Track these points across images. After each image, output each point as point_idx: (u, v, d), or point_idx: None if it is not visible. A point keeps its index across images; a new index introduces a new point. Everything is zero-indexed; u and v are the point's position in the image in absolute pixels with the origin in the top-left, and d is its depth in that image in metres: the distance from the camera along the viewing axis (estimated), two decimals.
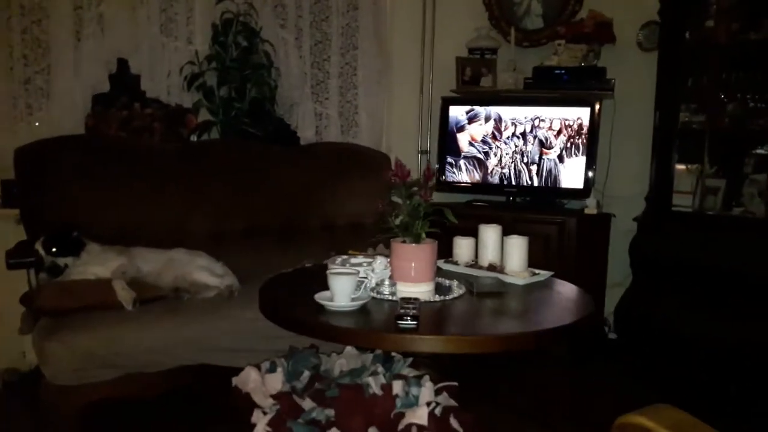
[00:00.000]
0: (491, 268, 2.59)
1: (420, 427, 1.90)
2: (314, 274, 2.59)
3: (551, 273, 2.61)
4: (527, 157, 4.20)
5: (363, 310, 2.08)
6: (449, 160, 4.44)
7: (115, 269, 2.92)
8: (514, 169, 4.24)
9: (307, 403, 1.99)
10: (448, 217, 2.27)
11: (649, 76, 3.95)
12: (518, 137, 4.23)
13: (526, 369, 3.66)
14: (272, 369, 2.23)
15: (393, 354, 2.36)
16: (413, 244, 2.26)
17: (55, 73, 3.68)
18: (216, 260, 3.25)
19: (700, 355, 3.50)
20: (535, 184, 4.20)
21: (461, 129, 4.40)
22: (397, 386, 2.02)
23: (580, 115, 4.03)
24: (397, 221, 2.29)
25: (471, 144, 4.38)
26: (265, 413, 2.01)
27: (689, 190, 3.78)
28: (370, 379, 2.05)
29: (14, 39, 3.60)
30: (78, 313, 2.70)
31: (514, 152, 4.24)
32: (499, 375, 3.51)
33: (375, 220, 3.98)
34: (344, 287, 2.05)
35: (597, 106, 4.00)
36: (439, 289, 2.34)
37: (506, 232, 2.67)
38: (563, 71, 4.13)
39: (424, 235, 2.27)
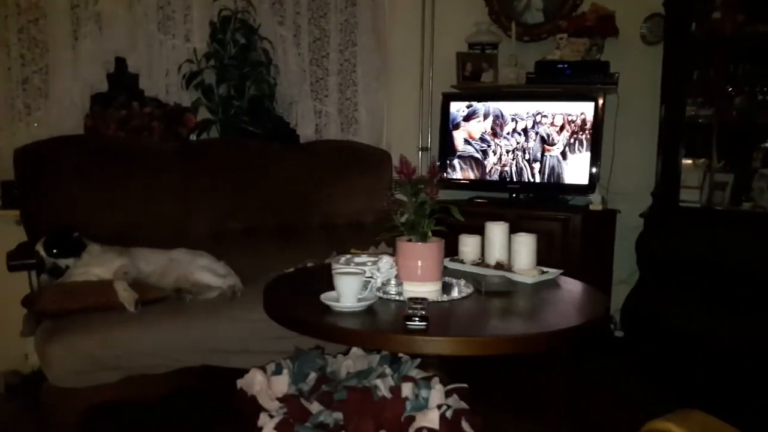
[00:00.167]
0: (499, 266, 2.56)
1: (431, 430, 1.85)
2: (317, 274, 2.56)
3: (560, 271, 2.57)
4: (529, 154, 4.16)
5: (370, 311, 2.05)
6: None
7: (116, 270, 2.90)
8: (516, 166, 4.20)
9: (314, 407, 1.96)
10: (455, 214, 2.24)
11: (652, 70, 3.91)
12: (519, 134, 4.19)
13: (528, 367, 3.61)
14: (278, 371, 2.19)
15: (400, 355, 2.32)
16: (420, 243, 2.22)
17: (53, 73, 3.64)
18: (217, 260, 3.22)
19: (709, 353, 3.46)
20: (537, 181, 4.16)
21: (456, 127, 4.36)
22: (407, 389, 1.98)
23: (584, 109, 3.98)
24: (403, 219, 2.25)
25: (468, 142, 4.33)
26: (271, 416, 1.97)
27: (696, 185, 3.73)
28: (379, 382, 2.01)
29: (11, 39, 3.56)
30: (79, 314, 2.69)
31: (515, 149, 4.20)
32: (501, 373, 3.46)
33: (375, 219, 3.97)
34: (350, 287, 2.01)
35: (601, 101, 3.96)
36: (446, 288, 2.30)
37: (510, 230, 2.63)
38: (566, 65, 4.09)
39: (430, 234, 2.24)
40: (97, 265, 2.92)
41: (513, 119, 4.20)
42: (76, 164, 3.32)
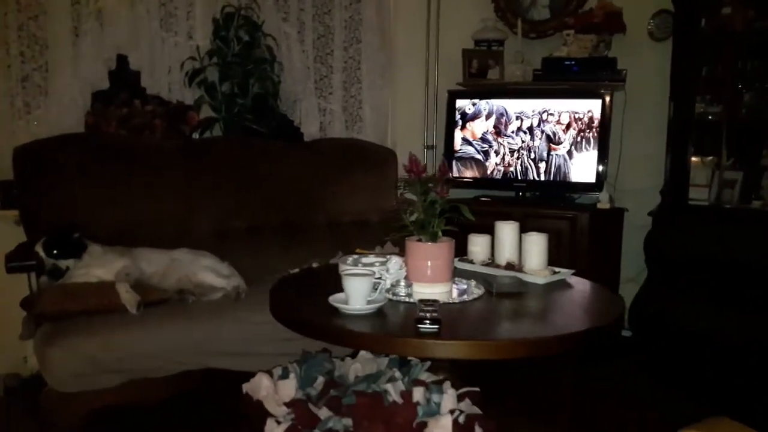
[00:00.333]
0: (509, 266, 2.51)
1: None
2: (323, 275, 2.51)
3: (572, 271, 2.52)
4: (535, 153, 4.11)
5: (379, 313, 2.00)
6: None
7: (118, 271, 2.85)
8: (521, 165, 4.14)
9: (323, 412, 1.90)
10: (465, 214, 2.19)
11: (661, 67, 3.87)
12: (525, 132, 4.13)
13: (537, 369, 3.55)
14: (284, 375, 2.14)
15: (409, 357, 2.27)
16: (429, 243, 2.17)
17: (53, 71, 3.59)
18: (221, 260, 3.17)
19: (718, 352, 3.43)
20: (543, 179, 4.11)
21: (462, 125, 4.31)
22: (418, 393, 1.93)
23: (591, 107, 3.93)
24: (412, 219, 2.20)
25: (468, 142, 4.28)
26: (278, 422, 1.92)
27: (705, 183, 3.70)
28: (389, 386, 1.96)
29: (11, 36, 3.51)
30: (80, 317, 2.65)
31: (521, 148, 4.14)
32: (511, 375, 3.40)
33: (380, 218, 3.93)
34: (360, 289, 1.96)
35: (608, 98, 3.91)
36: (457, 289, 2.24)
37: None
38: (573, 62, 4.04)
39: (440, 234, 2.18)
40: (98, 266, 2.88)
41: (518, 117, 4.15)
42: (77, 163, 3.28)
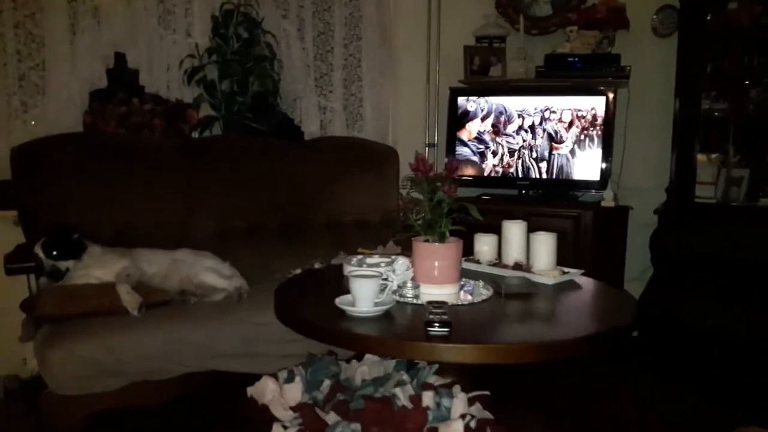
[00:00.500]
0: (517, 266, 2.47)
1: None
2: (327, 276, 2.47)
3: (581, 271, 2.48)
4: (536, 152, 4.06)
5: (387, 316, 1.96)
6: None
7: (118, 272, 2.81)
8: (522, 165, 4.10)
9: (330, 417, 1.86)
10: (473, 213, 2.15)
11: (664, 63, 3.86)
12: (526, 131, 4.09)
13: (541, 369, 3.50)
14: (290, 378, 2.09)
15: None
16: (437, 243, 2.13)
17: (50, 69, 3.53)
18: (222, 261, 3.13)
19: (726, 350, 3.40)
20: (546, 178, 4.07)
21: (463, 123, 4.26)
22: (427, 398, 1.89)
23: (594, 104, 3.90)
24: (419, 219, 2.16)
25: (464, 143, 4.24)
26: (285, 427, 1.87)
27: (711, 180, 3.67)
28: (398, 390, 1.91)
29: (7, 34, 3.45)
30: (80, 319, 2.60)
31: (522, 147, 4.10)
32: (519, 377, 3.34)
33: (381, 217, 3.90)
34: (367, 291, 1.92)
35: (611, 95, 3.87)
36: (464, 290, 2.20)
37: None
38: (576, 58, 4.00)
39: (448, 234, 2.14)
40: (97, 267, 2.84)
41: (520, 115, 4.11)
42: (75, 163, 3.25)
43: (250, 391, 2.11)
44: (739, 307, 3.39)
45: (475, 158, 4.22)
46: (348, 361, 2.32)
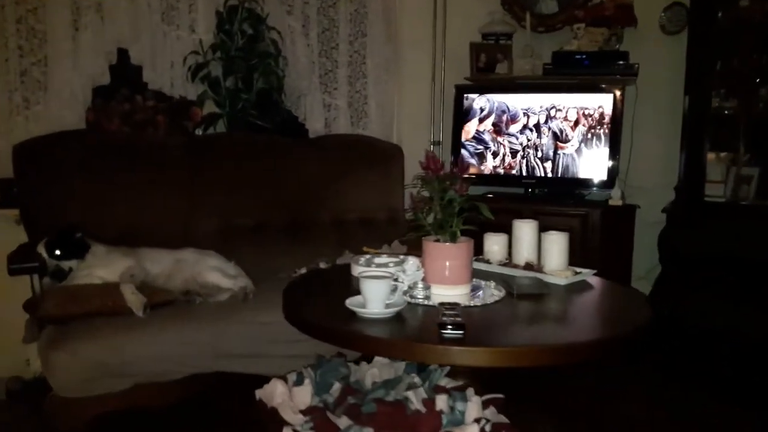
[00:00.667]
0: (528, 267, 2.43)
1: None
2: (333, 276, 2.43)
3: (593, 271, 2.45)
4: (541, 151, 4.03)
5: (398, 318, 1.92)
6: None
7: (122, 272, 2.77)
8: (527, 165, 4.07)
9: (342, 421, 1.82)
10: (484, 212, 2.12)
11: (673, 61, 3.83)
12: (531, 130, 4.05)
13: (553, 371, 3.46)
14: (299, 381, 2.05)
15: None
16: (448, 243, 2.10)
17: (52, 65, 3.50)
18: (227, 260, 3.09)
19: (735, 349, 3.37)
20: (552, 176, 4.04)
21: (469, 120, 4.22)
22: (441, 401, 1.85)
23: (602, 102, 3.86)
24: (430, 218, 2.13)
25: (479, 137, 4.20)
26: (296, 431, 1.83)
27: (720, 179, 3.65)
28: (410, 394, 1.88)
29: (9, 29, 3.42)
30: (84, 319, 2.56)
31: (526, 147, 4.06)
32: (531, 379, 3.31)
33: (386, 216, 3.88)
34: (379, 292, 1.88)
35: (619, 93, 3.83)
36: (476, 291, 2.17)
37: None
38: (584, 56, 3.97)
39: (459, 233, 2.11)
40: (101, 267, 2.80)
41: (525, 114, 4.07)
42: (78, 160, 3.22)
43: (259, 393, 2.07)
44: (749, 306, 3.37)
45: (491, 150, 4.17)
46: (357, 362, 2.28)
